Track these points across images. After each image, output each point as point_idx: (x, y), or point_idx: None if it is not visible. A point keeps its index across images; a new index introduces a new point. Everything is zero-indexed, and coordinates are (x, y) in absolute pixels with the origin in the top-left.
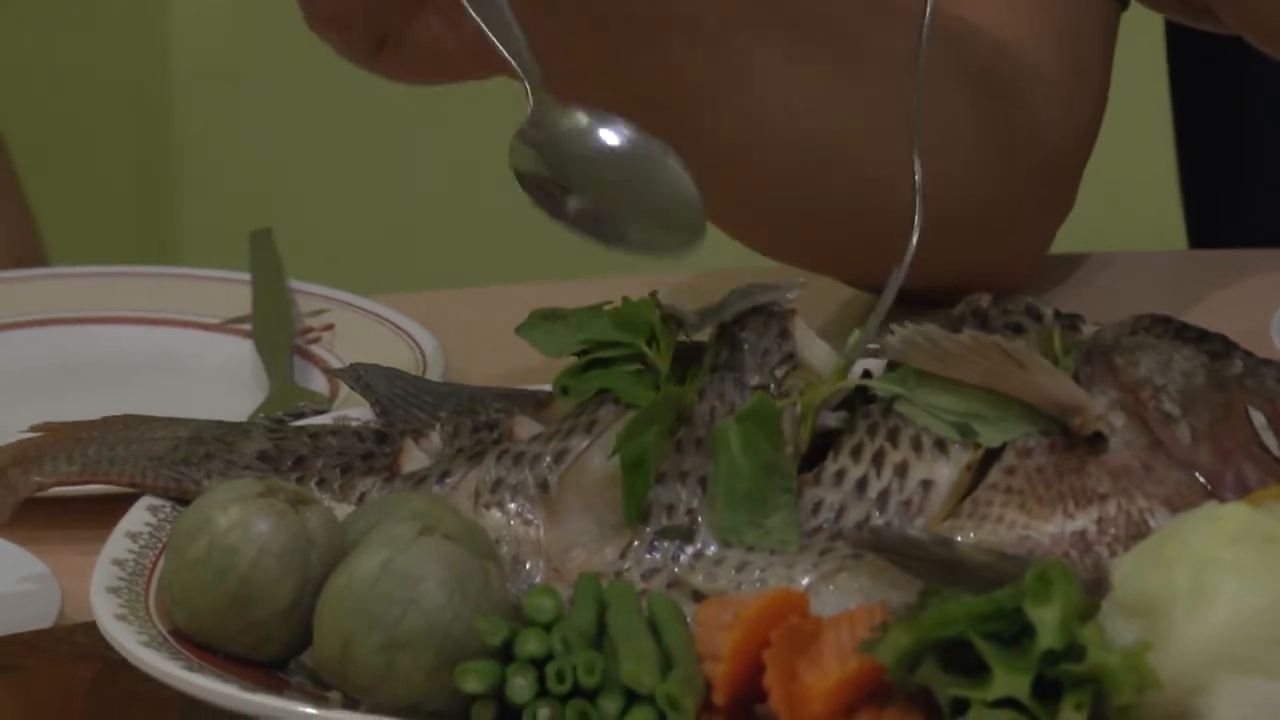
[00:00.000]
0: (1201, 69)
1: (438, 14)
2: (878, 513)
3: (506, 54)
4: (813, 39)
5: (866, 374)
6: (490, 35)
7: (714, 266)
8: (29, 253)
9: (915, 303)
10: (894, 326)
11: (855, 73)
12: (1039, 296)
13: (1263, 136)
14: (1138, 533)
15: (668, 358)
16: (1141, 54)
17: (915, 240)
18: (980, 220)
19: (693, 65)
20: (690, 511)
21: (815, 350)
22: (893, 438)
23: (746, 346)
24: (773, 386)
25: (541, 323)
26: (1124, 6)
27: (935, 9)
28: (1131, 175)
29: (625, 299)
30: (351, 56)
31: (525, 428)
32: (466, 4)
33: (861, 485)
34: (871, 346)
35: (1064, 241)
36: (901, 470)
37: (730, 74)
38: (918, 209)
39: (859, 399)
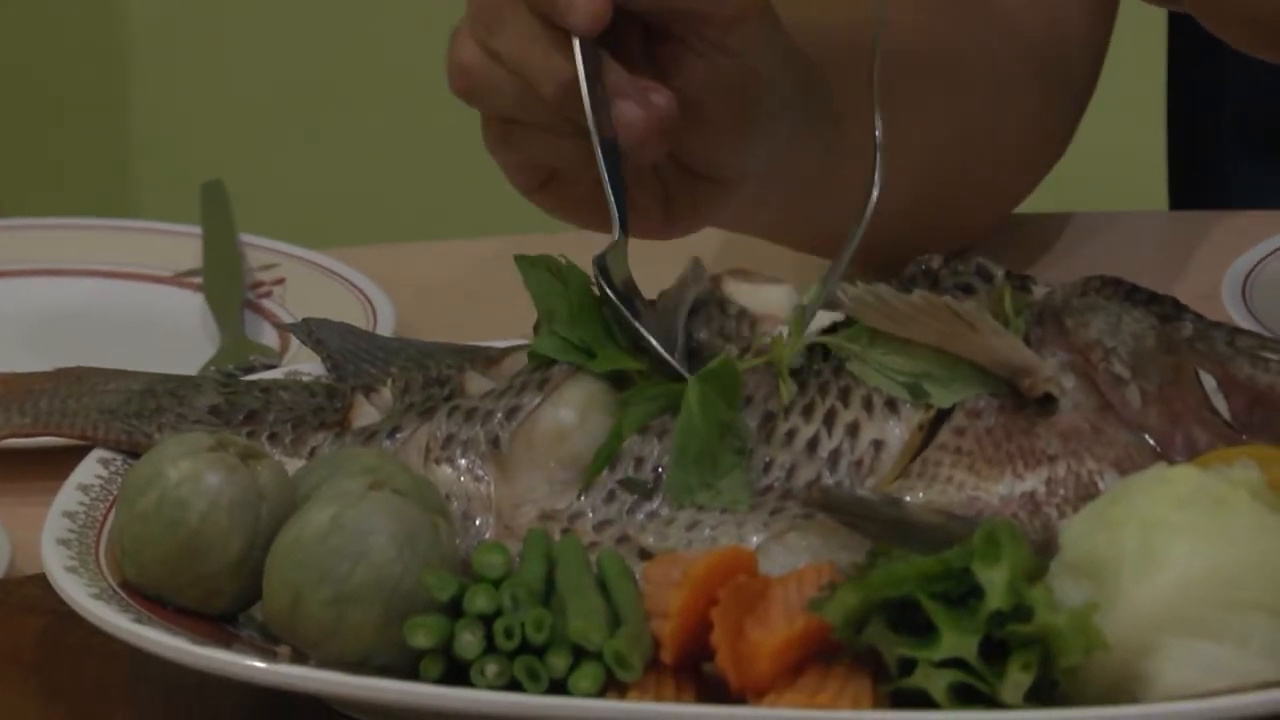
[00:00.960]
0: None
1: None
2: (828, 473)
3: (614, 211)
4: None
5: (824, 330)
6: (609, 195)
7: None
8: None
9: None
10: (845, 286)
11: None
12: (1006, 256)
13: (1245, 98)
14: (1087, 494)
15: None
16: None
17: (875, 195)
18: (999, 173)
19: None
20: (657, 469)
21: (765, 296)
22: (844, 397)
23: (711, 335)
24: (738, 349)
25: (545, 272)
26: None
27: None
28: (1118, 137)
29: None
30: (518, 186)
31: (477, 384)
32: (596, 144)
33: (813, 445)
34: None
35: (1042, 201)
36: (853, 430)
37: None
38: (877, 166)
39: (812, 356)
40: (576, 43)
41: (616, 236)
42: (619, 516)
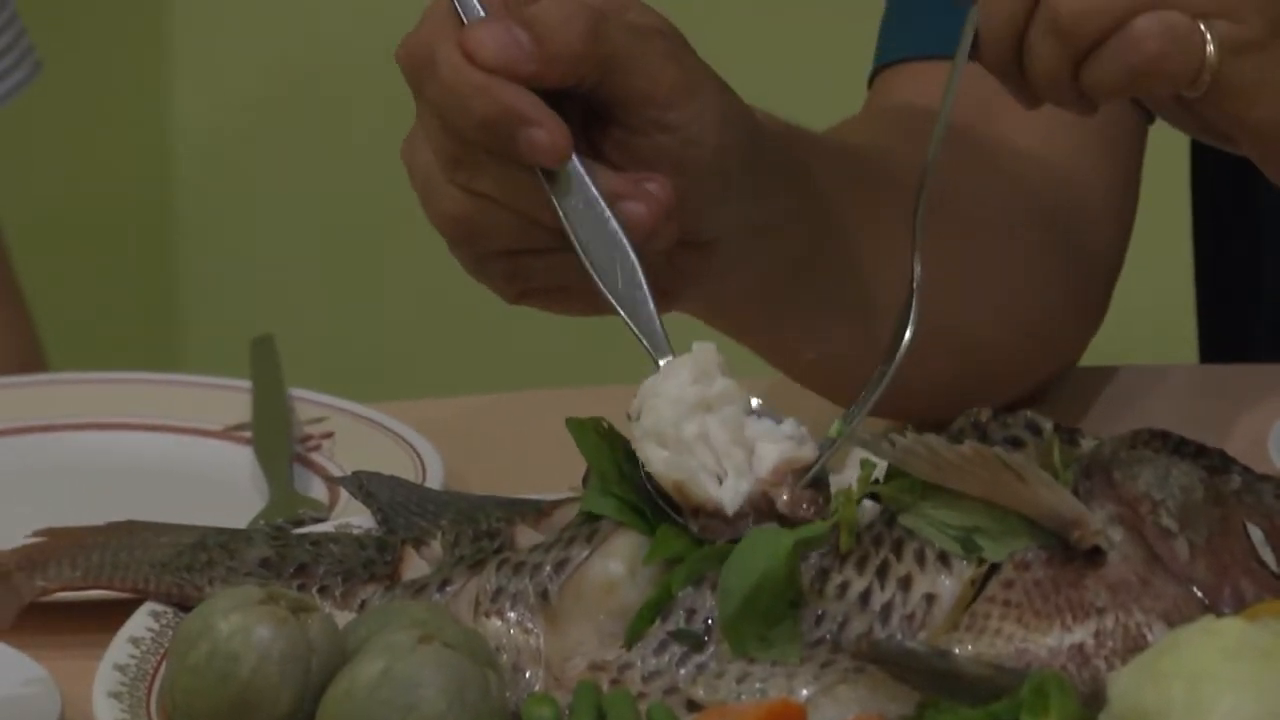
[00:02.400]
0: (1223, 183)
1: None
2: (880, 626)
3: (640, 334)
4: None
5: (875, 484)
6: (624, 316)
7: None
8: (30, 359)
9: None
10: (894, 436)
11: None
12: (1053, 410)
13: (1274, 251)
14: (1135, 646)
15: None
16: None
17: (909, 337)
18: (1025, 350)
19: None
20: (708, 621)
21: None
22: (897, 550)
23: None
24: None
25: (595, 436)
26: (1150, 120)
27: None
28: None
29: None
30: (505, 297)
31: (526, 537)
32: (602, 288)
33: (865, 598)
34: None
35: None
36: (905, 584)
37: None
38: (913, 306)
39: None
40: (536, 172)
41: (661, 360)
42: (668, 668)
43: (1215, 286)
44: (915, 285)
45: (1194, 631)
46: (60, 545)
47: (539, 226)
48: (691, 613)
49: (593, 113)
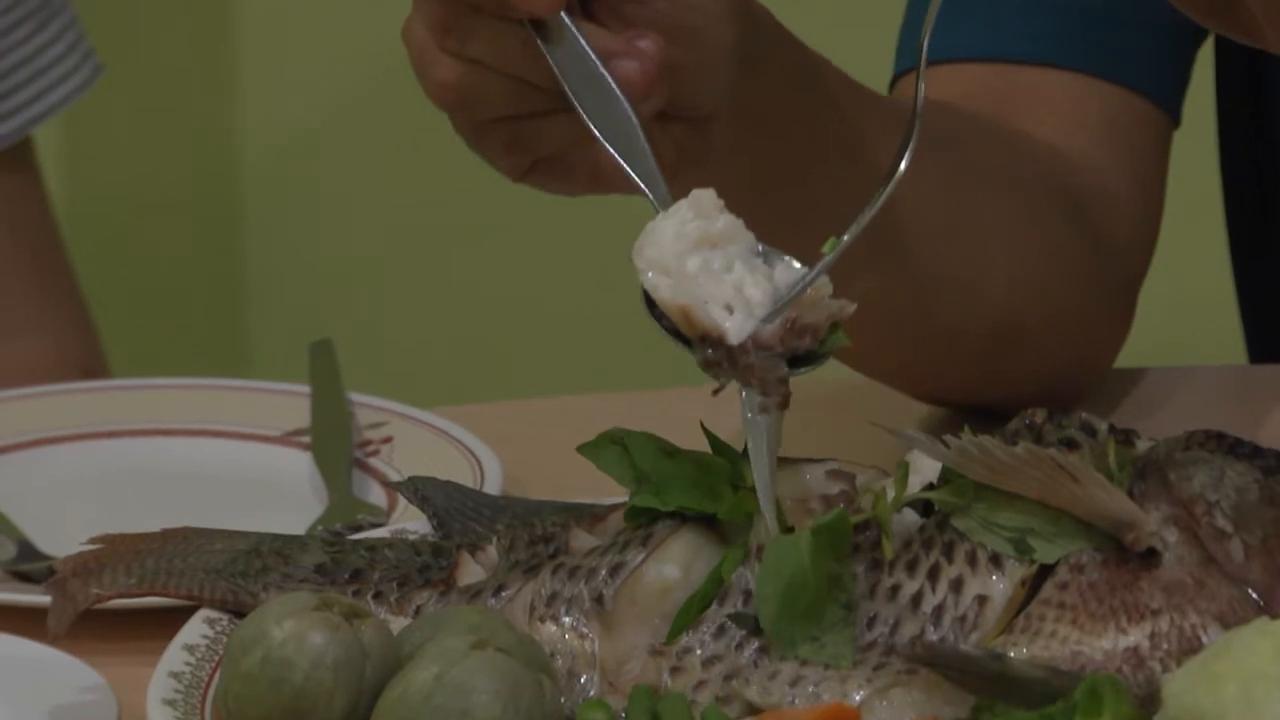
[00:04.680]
0: (1255, 182)
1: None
2: (933, 628)
3: (638, 180)
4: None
5: (930, 486)
6: (621, 163)
7: None
8: (93, 362)
9: (974, 415)
10: (949, 438)
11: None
12: (1096, 411)
13: None
14: (1190, 648)
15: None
16: (1198, 169)
17: (904, 166)
18: (1054, 332)
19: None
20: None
21: (868, 480)
22: (948, 552)
23: None
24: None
25: (609, 446)
26: (1177, 124)
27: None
28: (1194, 289)
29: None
30: (506, 173)
31: (581, 541)
32: (599, 135)
33: (916, 600)
34: (916, 440)
35: (1128, 356)
36: (957, 586)
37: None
38: (914, 136)
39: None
40: (528, 28)
41: (662, 206)
42: (728, 652)
43: (1257, 286)
44: (918, 107)
45: (1249, 633)
46: (116, 552)
47: (534, 88)
48: (747, 594)
49: None
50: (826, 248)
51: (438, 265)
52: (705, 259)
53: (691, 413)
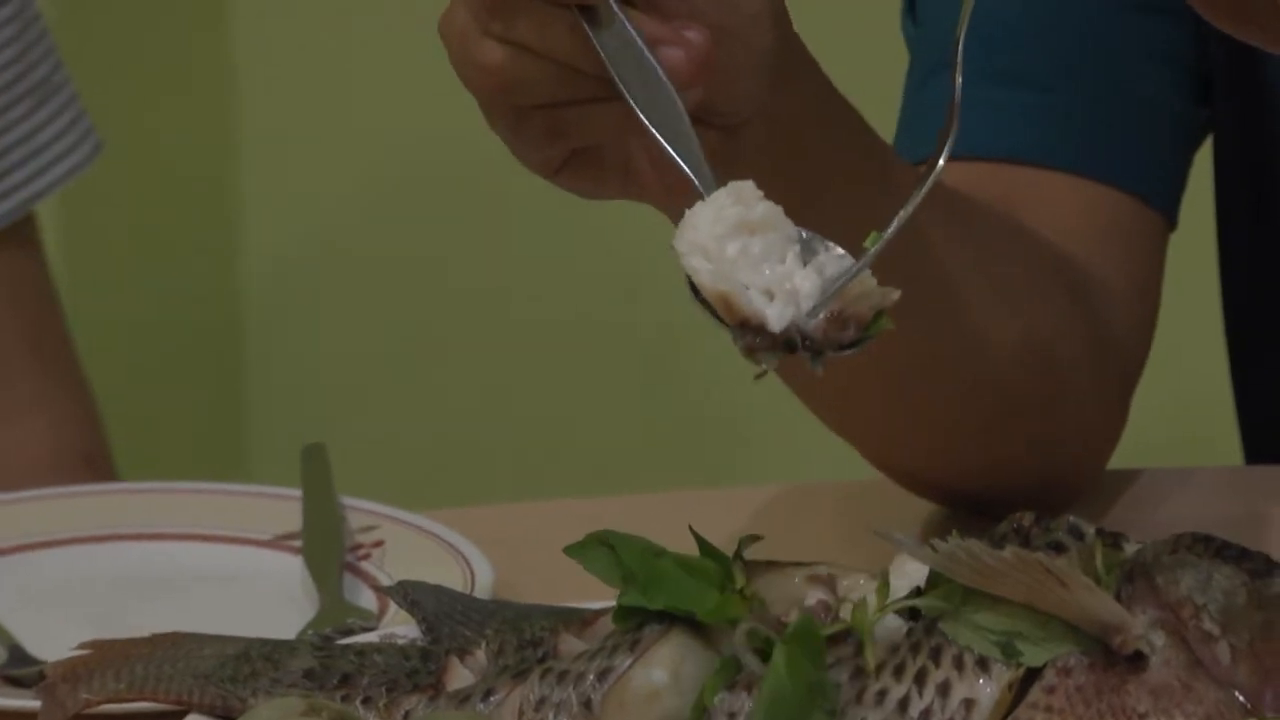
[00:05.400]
0: (1254, 284)
1: (635, 133)
2: None
3: (684, 166)
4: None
5: (917, 591)
6: (667, 147)
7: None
8: (95, 449)
9: (966, 517)
10: (936, 541)
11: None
12: (1093, 512)
13: None
14: None
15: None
16: (1196, 271)
17: (942, 164)
18: (1055, 412)
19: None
20: None
21: (854, 585)
22: (935, 656)
23: None
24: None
25: (596, 547)
26: (1173, 226)
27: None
28: (1191, 391)
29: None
30: (538, 168)
31: (570, 645)
32: (644, 120)
33: (903, 705)
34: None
35: (1123, 457)
36: (944, 690)
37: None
38: (952, 131)
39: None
40: (575, 12)
41: (708, 192)
42: None
43: (1254, 390)
44: (955, 101)
45: None
46: (105, 657)
47: (578, 74)
48: (731, 717)
49: None
50: (869, 242)
51: (431, 370)
52: (745, 244)
53: (681, 516)
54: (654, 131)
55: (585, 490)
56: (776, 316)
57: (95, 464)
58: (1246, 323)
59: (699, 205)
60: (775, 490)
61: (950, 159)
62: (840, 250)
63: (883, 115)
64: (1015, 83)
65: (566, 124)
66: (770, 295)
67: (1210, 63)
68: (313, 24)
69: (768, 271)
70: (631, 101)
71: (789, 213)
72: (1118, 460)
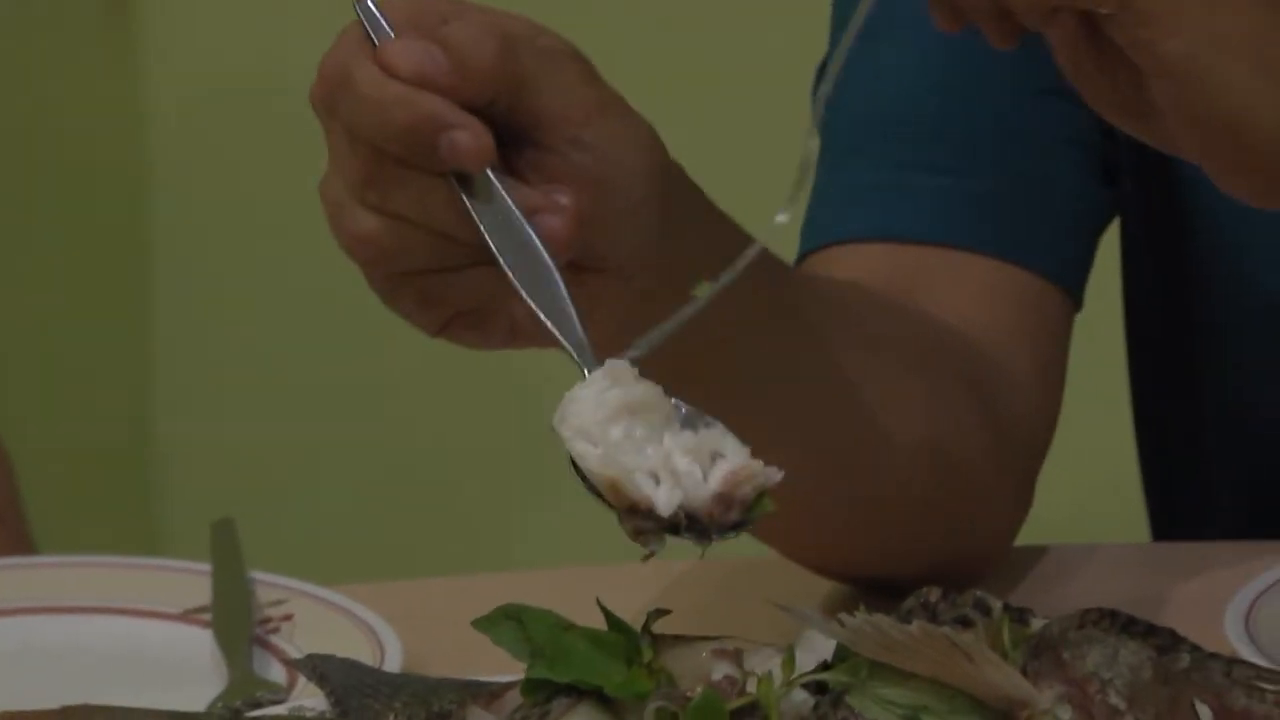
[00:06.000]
0: (1161, 366)
1: (514, 296)
2: None
3: (565, 343)
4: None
5: (824, 665)
6: (549, 325)
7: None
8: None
9: (871, 594)
10: (843, 616)
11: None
12: (1000, 588)
13: (1217, 434)
14: None
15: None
16: (1104, 352)
17: (791, 209)
18: (955, 508)
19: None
20: None
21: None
22: None
23: None
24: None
25: (505, 621)
26: (1078, 307)
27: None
28: (1097, 469)
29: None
30: (422, 327)
31: (478, 718)
32: (525, 295)
33: None
34: None
35: (1030, 533)
36: None
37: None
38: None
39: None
40: (452, 182)
41: (588, 369)
42: None
43: (1160, 469)
44: (806, 160)
45: None
46: None
47: (453, 243)
48: None
49: (504, 137)
50: (698, 291)
51: (341, 443)
52: (627, 427)
53: (588, 590)
54: (532, 304)
55: (495, 566)
56: (664, 501)
57: (6, 521)
58: (1153, 402)
59: (578, 387)
60: (683, 565)
61: (858, 241)
62: (720, 426)
63: None
64: (922, 168)
65: (442, 290)
66: (655, 478)
67: (1117, 146)
68: None
69: (650, 452)
70: (509, 271)
71: (687, 356)
72: (1023, 536)
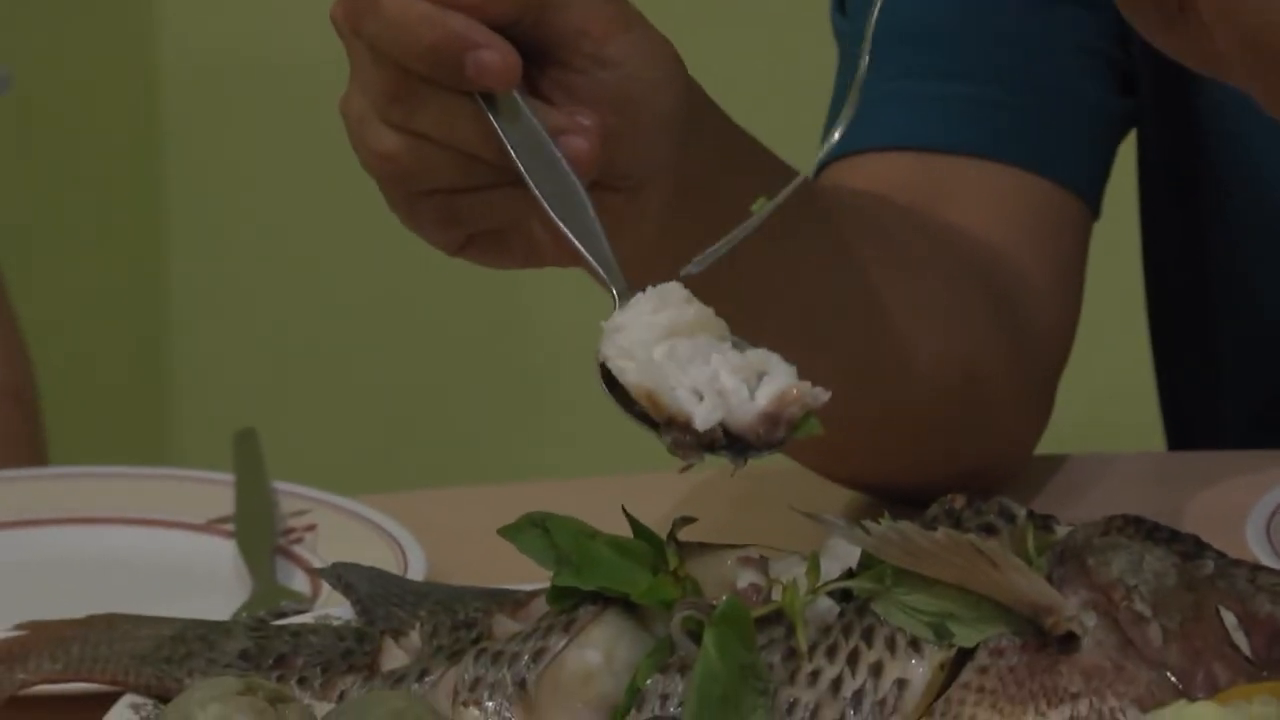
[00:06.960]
0: (1178, 275)
1: (535, 216)
2: (852, 712)
3: (595, 264)
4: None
5: (849, 572)
6: (579, 246)
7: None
8: (23, 385)
9: (895, 503)
10: (868, 523)
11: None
12: (1017, 497)
13: (1230, 342)
14: None
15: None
16: (1119, 259)
17: (842, 128)
18: (977, 419)
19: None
20: (682, 705)
21: (786, 567)
22: (868, 637)
23: None
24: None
25: (530, 528)
26: (1097, 215)
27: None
28: (1114, 378)
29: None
30: (441, 247)
31: (504, 627)
32: (554, 216)
33: (836, 685)
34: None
35: (1048, 443)
36: (876, 670)
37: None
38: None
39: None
40: (479, 101)
41: (616, 288)
42: None
43: (1176, 376)
44: (860, 77)
45: (1167, 716)
46: (41, 638)
47: (477, 161)
48: (664, 698)
49: (527, 58)
50: (755, 206)
51: (362, 354)
52: (672, 346)
53: (613, 499)
54: (560, 225)
55: (518, 475)
56: (703, 417)
57: (23, 400)
58: (1169, 312)
59: (618, 313)
60: (708, 474)
61: (877, 149)
62: (766, 350)
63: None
64: (940, 76)
65: (465, 210)
66: (699, 395)
67: (1133, 56)
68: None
69: (694, 371)
70: (536, 191)
71: (722, 268)
72: (1041, 447)
